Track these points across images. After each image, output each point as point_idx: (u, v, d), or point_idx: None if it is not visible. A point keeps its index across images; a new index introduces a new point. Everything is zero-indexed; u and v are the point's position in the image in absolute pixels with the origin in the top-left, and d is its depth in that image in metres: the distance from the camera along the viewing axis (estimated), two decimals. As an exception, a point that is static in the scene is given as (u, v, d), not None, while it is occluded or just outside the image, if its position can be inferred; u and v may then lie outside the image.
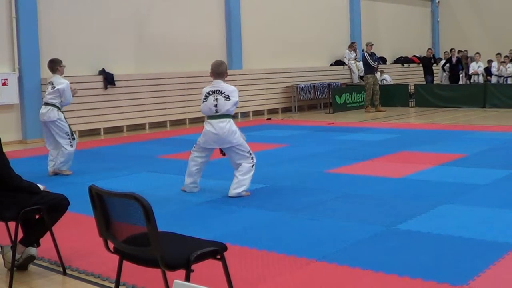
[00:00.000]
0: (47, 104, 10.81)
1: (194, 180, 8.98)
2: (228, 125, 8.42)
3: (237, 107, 9.07)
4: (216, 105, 8.40)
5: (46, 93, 10.87)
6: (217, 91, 8.42)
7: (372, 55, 22.01)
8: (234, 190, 8.49)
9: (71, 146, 10.80)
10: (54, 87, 10.73)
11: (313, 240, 6.43)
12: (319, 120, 19.77)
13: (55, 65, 10.92)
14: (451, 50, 27.11)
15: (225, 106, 8.37)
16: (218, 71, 8.54)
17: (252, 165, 8.55)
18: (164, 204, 8.15)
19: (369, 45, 22.20)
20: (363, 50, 26.98)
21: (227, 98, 8.35)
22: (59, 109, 10.79)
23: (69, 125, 10.96)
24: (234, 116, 8.75)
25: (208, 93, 8.50)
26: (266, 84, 21.72)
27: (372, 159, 11.46)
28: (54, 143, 10.86)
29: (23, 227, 5.70)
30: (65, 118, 10.89)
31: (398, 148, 12.70)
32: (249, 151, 8.57)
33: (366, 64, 22.25)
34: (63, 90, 10.70)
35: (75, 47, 17.07)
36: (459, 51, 27.41)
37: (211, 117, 8.51)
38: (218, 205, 8.20)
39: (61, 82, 10.77)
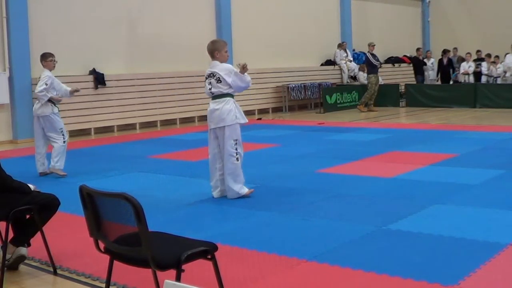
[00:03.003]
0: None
1: (214, 182, 8.65)
2: (222, 104, 8.30)
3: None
4: (210, 89, 8.39)
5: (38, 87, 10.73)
6: (211, 74, 8.36)
7: (373, 55, 22.00)
8: (231, 189, 8.37)
9: (64, 142, 10.72)
10: (41, 79, 10.71)
11: (304, 240, 6.43)
12: (309, 120, 19.78)
13: (41, 59, 10.93)
14: (443, 51, 27.16)
15: (218, 88, 8.31)
16: (209, 51, 8.47)
17: (237, 159, 8.34)
18: (155, 204, 8.13)
19: (371, 45, 22.14)
20: (353, 50, 27.08)
21: (218, 80, 8.28)
22: (53, 104, 10.75)
23: (63, 124, 10.93)
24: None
25: (206, 77, 8.47)
26: (256, 84, 21.64)
27: (363, 159, 11.47)
28: (43, 140, 10.81)
29: (14, 227, 5.68)
30: (59, 115, 10.85)
31: (389, 148, 12.71)
32: (236, 139, 8.33)
33: (369, 64, 22.23)
34: (41, 81, 10.64)
35: (66, 47, 17.02)
36: (454, 49, 27.61)
37: (211, 98, 8.48)
38: (208, 205, 8.20)
39: (43, 75, 10.73)
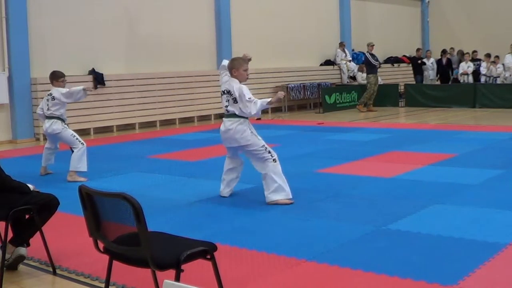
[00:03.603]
0: (50, 117, 10.55)
1: (226, 182, 8.58)
2: (235, 124, 8.08)
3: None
4: (227, 106, 8.17)
5: (48, 105, 10.54)
6: (228, 92, 8.13)
7: (373, 55, 22.01)
8: (269, 196, 8.10)
9: (82, 144, 10.44)
10: (54, 97, 10.50)
11: (304, 240, 6.43)
12: (309, 120, 19.80)
13: (53, 78, 10.71)
14: (442, 51, 27.18)
15: (234, 108, 8.07)
16: (228, 69, 8.25)
17: (273, 160, 8.06)
18: (154, 204, 8.12)
19: (370, 45, 22.15)
20: (353, 50, 27.07)
21: (235, 101, 8.04)
22: (62, 121, 10.61)
23: (72, 130, 10.84)
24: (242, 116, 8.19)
25: (223, 92, 8.26)
26: (256, 84, 21.66)
27: (362, 159, 11.47)
28: (55, 143, 10.87)
29: (13, 227, 5.67)
30: (67, 127, 10.74)
31: (389, 148, 12.71)
32: (264, 145, 8.08)
33: (368, 63, 22.24)
34: (60, 96, 10.47)
35: (65, 47, 17.03)
36: (451, 48, 27.61)
37: (225, 115, 8.29)
38: (208, 205, 8.19)
39: (57, 89, 10.55)
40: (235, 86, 8.05)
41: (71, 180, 10.21)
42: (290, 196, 8.06)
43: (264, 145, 8.09)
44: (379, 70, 22.84)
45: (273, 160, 8.05)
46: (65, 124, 10.66)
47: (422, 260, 5.59)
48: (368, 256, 5.78)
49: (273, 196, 8.02)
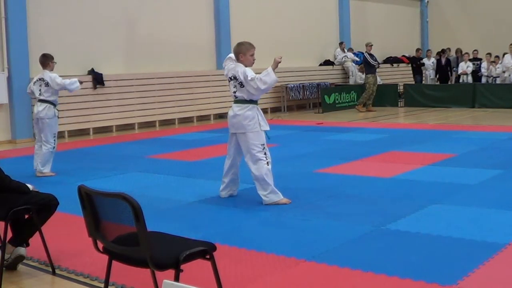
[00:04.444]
0: (43, 101, 10.76)
1: (226, 184, 8.51)
2: (244, 110, 8.04)
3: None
4: (235, 92, 8.14)
5: (41, 90, 10.77)
6: (234, 77, 8.09)
7: (371, 55, 22.04)
8: (268, 197, 8.06)
9: (53, 148, 10.79)
10: (47, 83, 10.71)
11: (303, 240, 6.43)
12: (308, 120, 19.79)
13: (47, 60, 10.91)
14: (442, 50, 27.18)
15: (241, 92, 8.06)
16: (234, 53, 8.23)
17: (267, 163, 8.02)
18: (153, 204, 8.13)
19: (368, 45, 22.22)
20: (352, 50, 27.05)
21: (241, 85, 8.01)
22: (55, 106, 10.83)
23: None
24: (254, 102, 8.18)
25: (230, 78, 8.20)
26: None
27: (362, 159, 11.47)
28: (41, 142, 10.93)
29: (12, 227, 5.67)
30: (58, 117, 10.98)
31: (388, 148, 12.71)
32: (263, 144, 8.07)
33: (366, 63, 22.26)
34: (54, 85, 10.71)
35: (64, 47, 17.03)
36: (447, 49, 27.60)
37: (234, 101, 8.24)
38: (207, 205, 8.19)
39: (50, 76, 10.74)
40: (240, 70, 8.04)
41: (40, 175, 10.71)
42: (282, 197, 8.07)
43: (263, 144, 8.07)
44: (378, 70, 22.85)
45: (267, 163, 8.03)
46: (56, 109, 10.90)
47: (421, 260, 5.59)
48: (367, 256, 5.78)
49: (273, 197, 8.02)
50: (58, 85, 10.72)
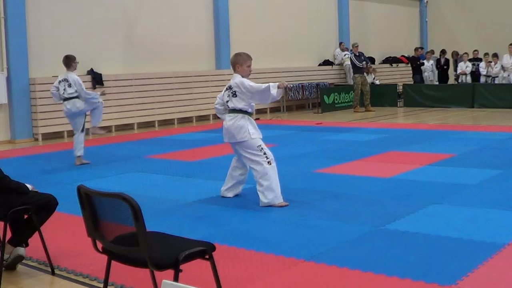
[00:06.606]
0: (68, 98, 11.59)
1: (232, 184, 8.53)
2: (234, 120, 8.05)
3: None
4: (227, 101, 8.16)
5: (65, 90, 11.58)
6: (229, 87, 8.15)
7: (359, 55, 22.13)
8: (262, 200, 8.05)
9: (83, 131, 11.82)
10: (70, 84, 11.53)
11: (302, 240, 6.43)
12: (307, 120, 19.80)
13: (70, 61, 11.71)
14: (442, 51, 27.18)
15: (233, 102, 8.07)
16: (231, 63, 8.27)
17: (268, 162, 7.98)
18: (152, 204, 8.13)
19: (354, 46, 22.50)
20: (351, 50, 27.05)
21: (234, 94, 8.05)
22: (79, 98, 11.64)
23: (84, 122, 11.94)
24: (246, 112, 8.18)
25: (226, 88, 8.24)
26: (254, 84, 21.68)
27: (361, 159, 11.47)
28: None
29: (12, 227, 5.67)
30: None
31: (387, 148, 12.71)
32: (260, 145, 8.02)
33: (353, 65, 22.39)
34: (76, 83, 11.55)
35: (64, 47, 16.97)
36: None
37: (228, 110, 8.25)
38: (206, 205, 8.19)
39: (74, 78, 11.56)
40: (236, 80, 8.06)
41: (79, 163, 11.78)
42: (281, 200, 8.03)
43: (260, 145, 8.04)
44: (378, 70, 22.87)
45: (268, 162, 7.98)
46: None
47: (420, 260, 5.59)
48: (366, 256, 5.78)
49: (273, 200, 8.01)
50: (82, 91, 11.60)
